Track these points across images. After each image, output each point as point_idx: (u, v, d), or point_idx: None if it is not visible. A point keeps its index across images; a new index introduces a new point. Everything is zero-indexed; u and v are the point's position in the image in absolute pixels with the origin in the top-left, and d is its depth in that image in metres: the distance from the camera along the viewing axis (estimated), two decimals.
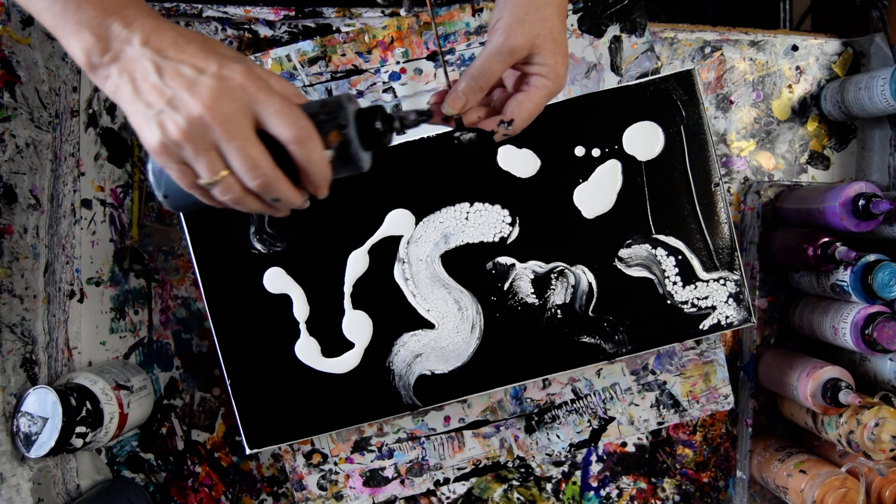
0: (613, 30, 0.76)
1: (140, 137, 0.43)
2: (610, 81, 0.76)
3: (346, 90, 0.75)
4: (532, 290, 0.71)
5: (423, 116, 0.52)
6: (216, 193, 0.44)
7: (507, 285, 0.71)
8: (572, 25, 0.75)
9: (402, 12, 0.76)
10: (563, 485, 0.83)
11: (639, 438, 0.83)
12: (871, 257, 0.71)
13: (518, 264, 0.71)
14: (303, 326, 0.71)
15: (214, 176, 0.43)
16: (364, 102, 0.76)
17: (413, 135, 0.67)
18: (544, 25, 0.51)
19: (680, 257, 0.71)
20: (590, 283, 0.71)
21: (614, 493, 0.84)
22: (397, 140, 0.71)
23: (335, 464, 0.77)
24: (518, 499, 0.82)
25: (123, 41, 0.41)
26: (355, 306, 0.71)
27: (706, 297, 0.71)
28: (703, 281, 0.71)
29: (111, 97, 0.43)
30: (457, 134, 0.52)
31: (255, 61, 0.74)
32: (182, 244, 0.79)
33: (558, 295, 0.71)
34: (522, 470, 0.82)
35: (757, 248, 0.81)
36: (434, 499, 0.82)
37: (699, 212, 0.71)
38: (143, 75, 0.41)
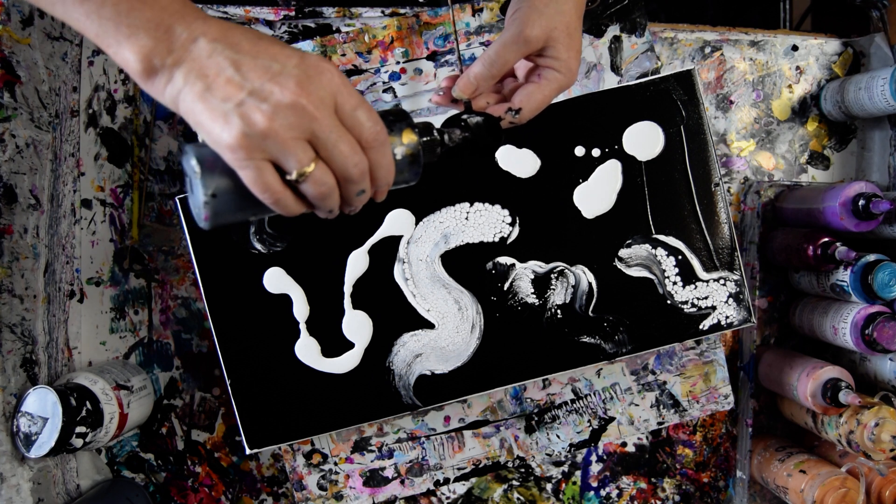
0: (613, 30, 0.76)
1: (211, 135, 0.39)
2: (610, 81, 0.76)
3: None
4: (532, 290, 0.71)
5: (466, 132, 0.52)
6: (308, 188, 0.41)
7: (507, 285, 0.71)
8: None
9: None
10: (563, 485, 0.83)
11: (639, 438, 0.83)
12: (871, 257, 0.71)
13: (518, 264, 0.71)
14: (303, 326, 0.71)
15: (306, 167, 0.40)
16: None
17: None
18: (562, 19, 0.51)
19: (680, 257, 0.71)
20: (590, 283, 0.71)
21: (614, 493, 0.84)
22: None
23: (335, 464, 0.77)
24: (518, 499, 0.82)
25: (188, 41, 0.39)
26: (355, 306, 0.71)
27: (706, 297, 0.71)
28: (703, 281, 0.71)
29: (170, 103, 0.40)
30: (464, 116, 0.53)
31: None
32: (182, 244, 0.79)
33: (558, 295, 0.71)
34: (522, 470, 0.82)
35: (757, 248, 0.81)
36: (434, 499, 0.82)
37: (699, 212, 0.71)
38: (217, 71, 0.39)
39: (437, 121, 0.56)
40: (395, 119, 0.47)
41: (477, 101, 0.55)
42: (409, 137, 0.47)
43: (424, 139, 0.49)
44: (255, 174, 0.40)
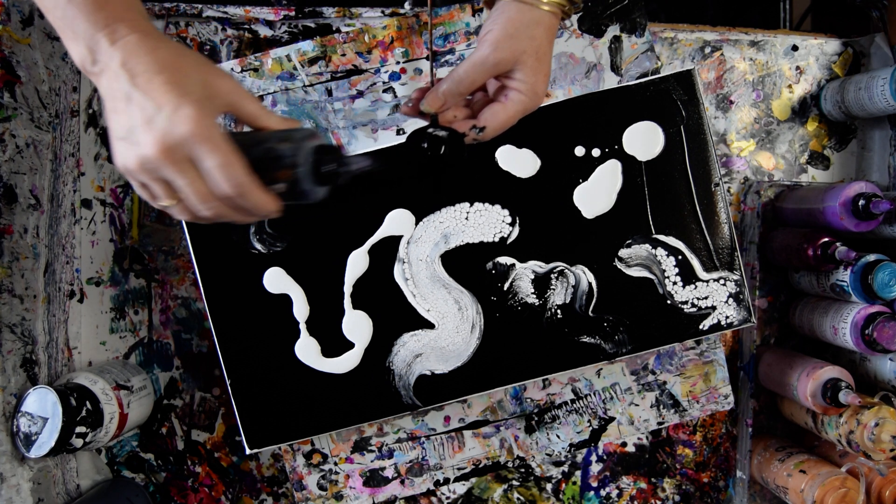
0: (613, 30, 0.76)
1: (111, 148, 0.46)
2: (610, 81, 0.76)
3: (347, 90, 0.75)
4: (532, 290, 0.71)
5: (365, 164, 0.52)
6: (174, 214, 0.48)
7: (507, 285, 0.71)
8: (572, 25, 0.76)
9: (406, 6, 0.76)
10: (563, 485, 0.83)
11: (639, 438, 0.83)
12: (871, 257, 0.71)
13: (518, 264, 0.71)
14: (303, 326, 0.71)
15: (168, 202, 0.46)
16: (364, 103, 0.76)
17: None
18: (531, 44, 0.52)
19: (680, 257, 0.71)
20: (590, 283, 0.71)
21: (614, 493, 0.84)
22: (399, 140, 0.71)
23: (335, 464, 0.77)
24: (518, 499, 0.82)
25: (108, 58, 0.43)
26: (355, 306, 0.71)
27: (706, 297, 0.71)
28: (703, 281, 0.71)
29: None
30: (430, 130, 0.55)
31: (255, 61, 0.74)
32: (182, 244, 0.79)
33: (558, 295, 0.71)
34: (522, 470, 0.82)
35: (757, 248, 0.81)
36: (434, 499, 0.82)
37: (699, 212, 0.71)
38: (116, 97, 0.43)
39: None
40: (280, 155, 0.47)
41: (444, 115, 0.56)
42: (285, 175, 0.47)
43: (315, 173, 0.48)
44: (139, 190, 0.47)
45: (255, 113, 0.48)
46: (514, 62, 0.52)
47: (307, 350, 0.71)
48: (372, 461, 0.77)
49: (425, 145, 0.54)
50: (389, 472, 0.78)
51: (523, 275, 0.71)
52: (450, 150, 0.54)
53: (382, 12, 0.77)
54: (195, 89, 0.43)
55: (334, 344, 0.71)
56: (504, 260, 0.71)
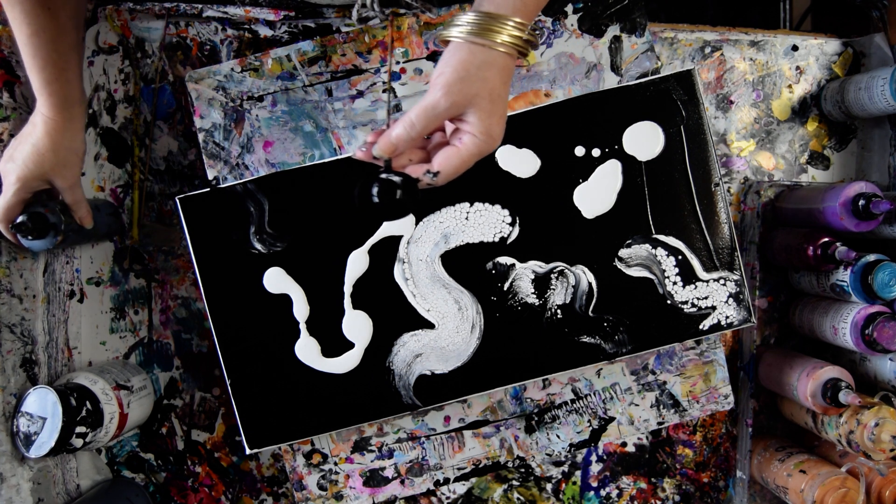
0: (613, 30, 0.76)
1: None
2: (610, 81, 0.76)
3: (347, 90, 0.75)
4: (532, 290, 0.71)
5: (57, 234, 0.67)
6: None
7: (507, 285, 0.71)
8: (572, 25, 0.75)
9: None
10: (563, 485, 0.83)
11: (639, 438, 0.83)
12: (871, 257, 0.71)
13: (518, 264, 0.71)
14: (303, 326, 0.71)
15: None
16: (364, 103, 0.76)
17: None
18: (484, 86, 0.51)
19: (680, 257, 0.71)
20: (590, 283, 0.71)
21: (614, 493, 0.84)
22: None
23: (335, 464, 0.77)
24: (518, 499, 0.82)
25: (35, 111, 0.65)
26: (355, 306, 0.71)
27: (706, 297, 0.71)
28: (703, 281, 0.71)
29: None
30: (383, 175, 0.53)
31: (255, 61, 0.74)
32: (182, 244, 0.79)
33: (558, 295, 0.71)
34: (522, 470, 0.82)
35: (757, 248, 0.81)
36: (434, 499, 0.82)
37: (699, 212, 0.71)
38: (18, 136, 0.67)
39: None
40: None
41: (399, 158, 0.54)
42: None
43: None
44: None
45: (69, 200, 0.68)
46: (466, 105, 0.51)
47: (307, 350, 0.71)
48: (372, 461, 0.77)
49: (376, 190, 0.52)
50: (389, 472, 0.78)
51: (523, 275, 0.71)
52: (403, 196, 0.52)
53: (383, 12, 0.77)
54: (31, 167, 0.64)
55: (334, 344, 0.71)
56: (504, 260, 0.71)
